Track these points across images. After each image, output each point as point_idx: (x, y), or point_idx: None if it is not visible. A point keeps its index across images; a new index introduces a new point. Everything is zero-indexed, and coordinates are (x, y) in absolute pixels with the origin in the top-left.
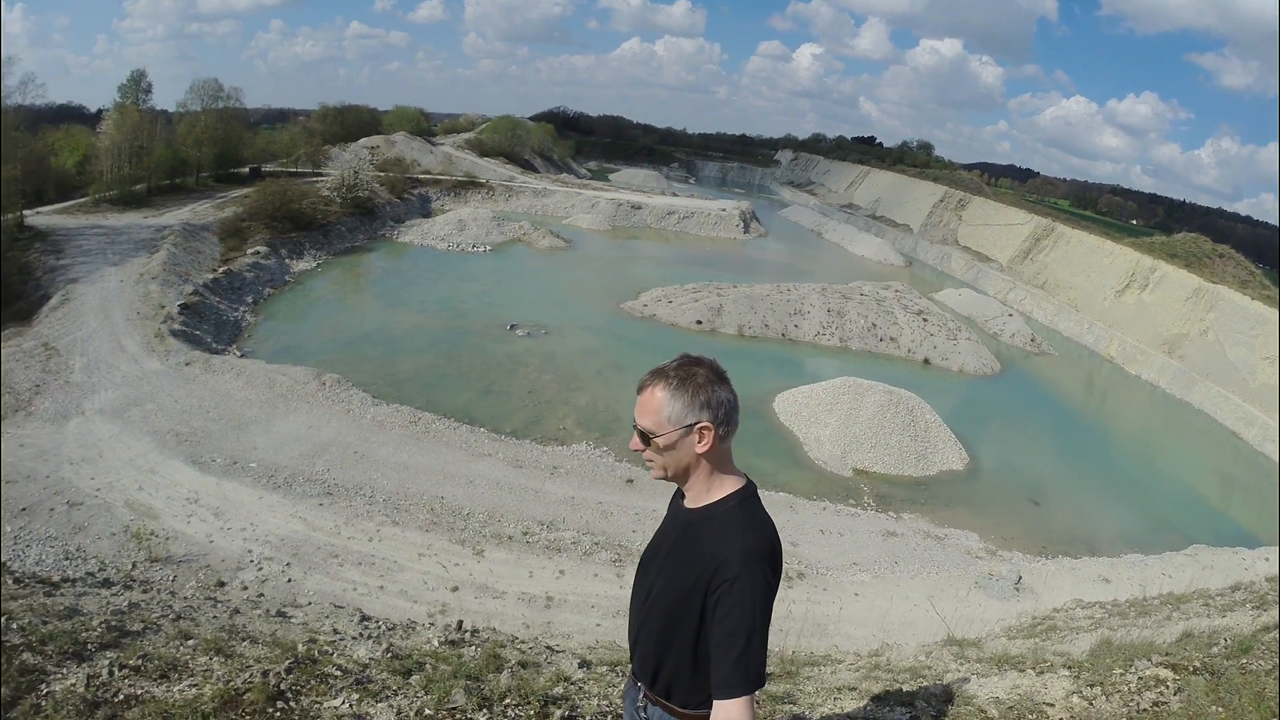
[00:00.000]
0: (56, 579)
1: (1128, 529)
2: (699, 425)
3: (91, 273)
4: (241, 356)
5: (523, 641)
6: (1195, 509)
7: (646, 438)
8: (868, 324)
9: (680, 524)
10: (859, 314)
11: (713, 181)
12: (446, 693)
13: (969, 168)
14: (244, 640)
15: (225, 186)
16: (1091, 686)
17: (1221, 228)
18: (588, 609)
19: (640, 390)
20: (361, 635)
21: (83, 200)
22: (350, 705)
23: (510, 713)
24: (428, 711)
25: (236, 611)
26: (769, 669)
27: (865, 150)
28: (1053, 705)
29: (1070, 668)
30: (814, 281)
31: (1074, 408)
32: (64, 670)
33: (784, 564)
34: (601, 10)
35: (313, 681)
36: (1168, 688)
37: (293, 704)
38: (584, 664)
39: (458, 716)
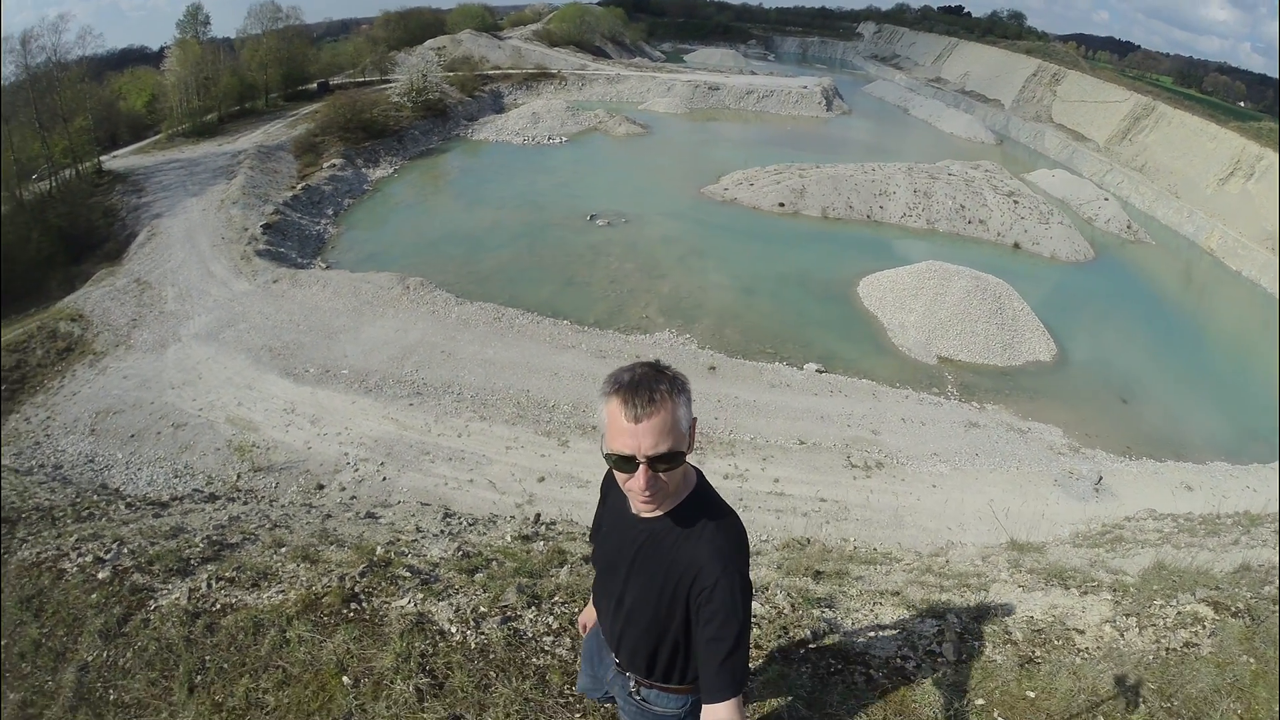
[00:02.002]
0: (165, 499)
1: (1217, 435)
2: (694, 422)
3: (173, 206)
4: (326, 268)
5: None
6: None
7: (666, 465)
8: (955, 205)
9: (642, 532)
10: (946, 195)
11: (792, 58)
12: (501, 591)
13: (1064, 39)
14: (331, 545)
15: (295, 105)
16: (1127, 616)
17: None
18: None
19: (640, 418)
20: (441, 533)
21: (156, 138)
22: (415, 605)
23: (556, 610)
24: (481, 609)
25: (329, 516)
26: (822, 566)
27: (952, 21)
28: (1082, 633)
29: (1115, 590)
30: (900, 161)
31: (1169, 302)
32: (169, 586)
33: (865, 453)
34: None
35: (383, 584)
36: (1204, 628)
37: (364, 605)
38: None
39: (507, 613)
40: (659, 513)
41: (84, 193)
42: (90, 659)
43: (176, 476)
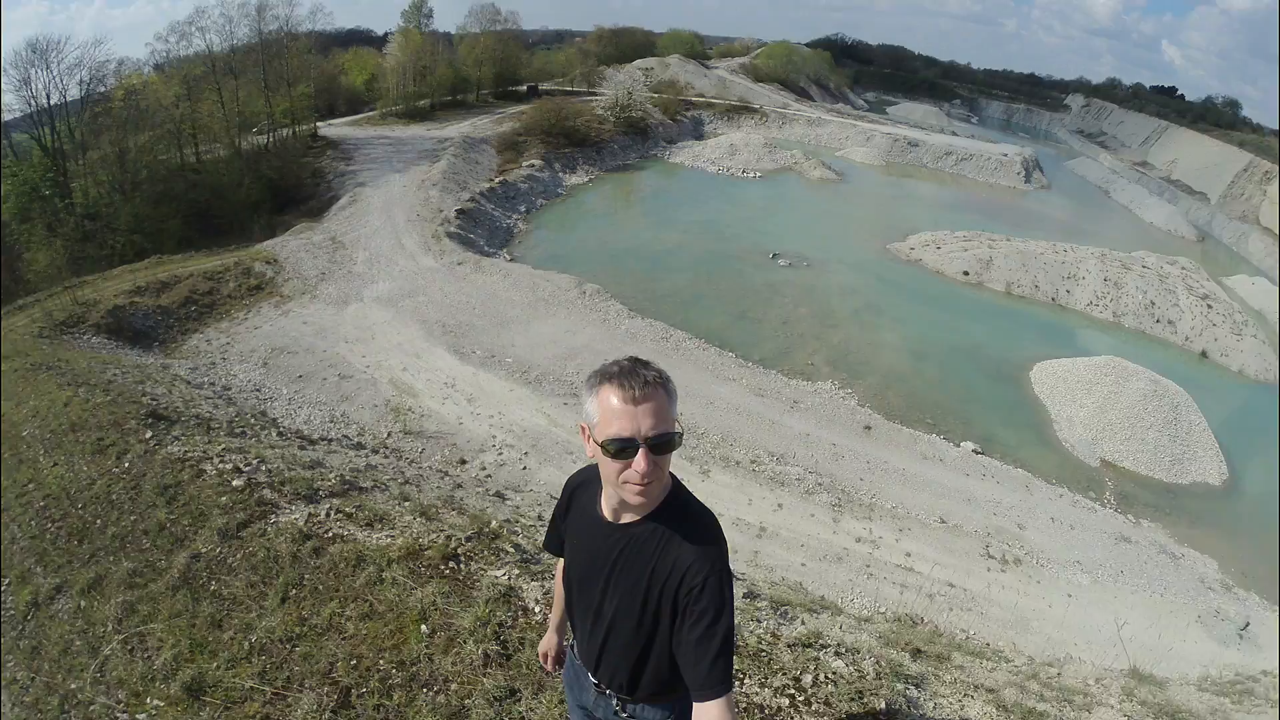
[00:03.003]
0: (315, 437)
1: None
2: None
3: (377, 178)
4: (510, 260)
5: None
6: None
7: (664, 445)
8: (1145, 301)
9: (616, 539)
10: (1137, 288)
11: (996, 123)
12: None
13: None
14: (452, 510)
15: (503, 103)
16: None
17: None
18: (797, 547)
19: (640, 399)
20: None
21: (370, 114)
22: (509, 578)
23: None
24: None
25: (459, 486)
26: (926, 647)
27: (1164, 102)
28: None
29: None
30: (1093, 245)
31: None
32: (293, 508)
33: (1005, 546)
34: None
35: (486, 552)
36: None
37: (462, 566)
38: (750, 594)
39: None
40: (646, 509)
41: (297, 152)
42: (204, 550)
43: (332, 422)
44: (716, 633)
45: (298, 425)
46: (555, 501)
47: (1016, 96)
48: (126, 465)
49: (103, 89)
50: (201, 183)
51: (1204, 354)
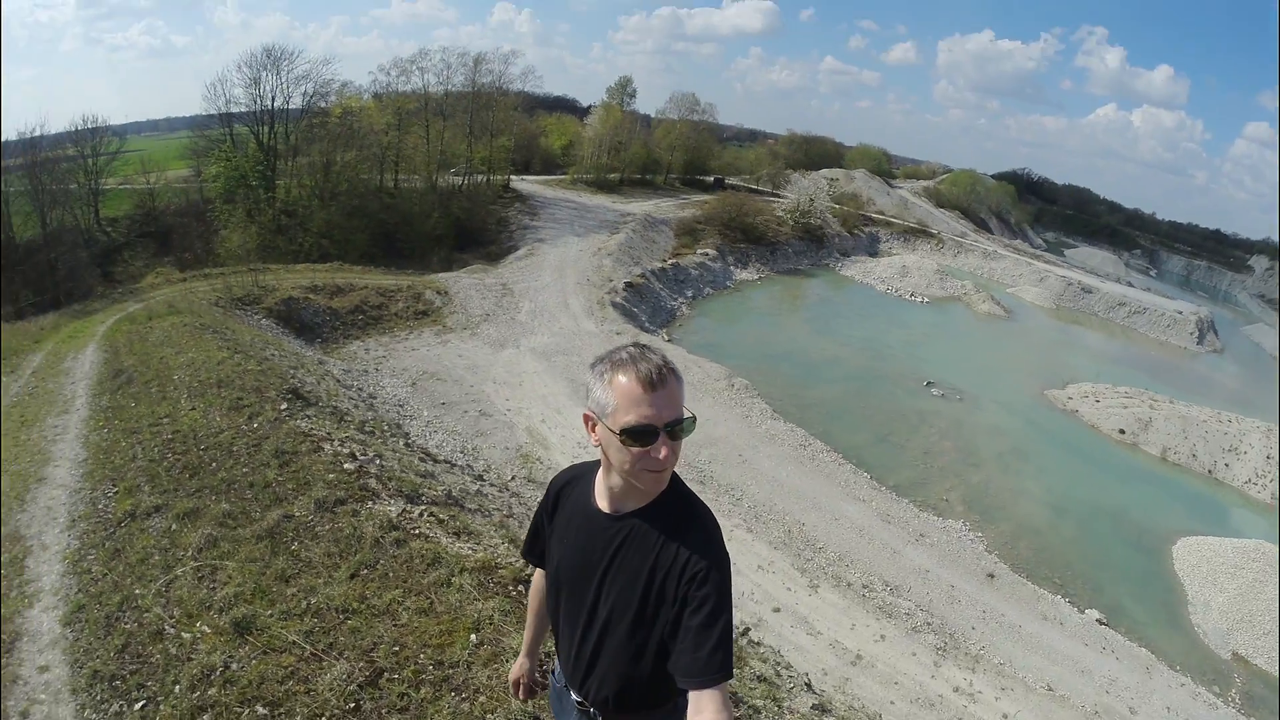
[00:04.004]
0: (440, 457)
1: None
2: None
3: (557, 238)
4: (668, 340)
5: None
6: None
7: (681, 430)
8: None
9: (613, 532)
10: None
11: (1175, 278)
12: None
13: None
14: None
15: (688, 190)
16: None
17: None
18: (890, 683)
19: (656, 385)
20: None
21: (562, 177)
22: None
23: None
24: None
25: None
26: None
27: None
28: None
29: None
30: (1261, 419)
31: None
32: (390, 501)
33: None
34: (1077, 70)
35: None
36: None
37: (528, 592)
38: (820, 708)
39: None
40: (650, 497)
41: (487, 198)
42: (296, 514)
43: (462, 452)
44: (717, 620)
45: (429, 447)
46: None
47: (1199, 252)
48: (255, 426)
49: (323, 104)
50: (394, 207)
51: None
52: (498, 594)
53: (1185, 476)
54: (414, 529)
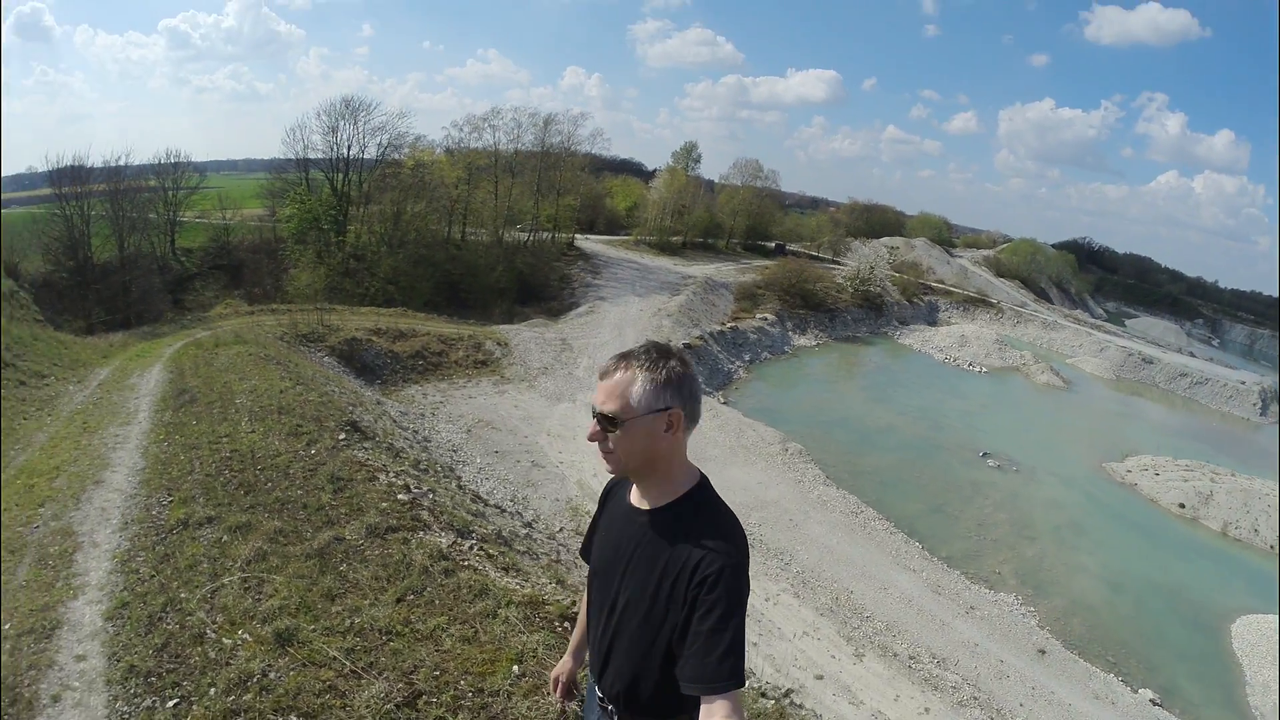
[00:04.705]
0: (491, 501)
1: None
2: (669, 411)
3: (617, 296)
4: (723, 403)
5: None
6: None
7: (608, 425)
8: None
9: (640, 525)
10: None
11: (1238, 347)
12: None
13: None
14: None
15: (750, 255)
16: None
17: None
18: None
19: (604, 375)
20: None
21: (625, 238)
22: None
23: None
24: None
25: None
26: None
27: None
28: None
29: None
30: None
31: None
32: (441, 534)
33: None
34: (1138, 138)
35: None
36: None
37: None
38: None
39: None
40: (619, 475)
41: (551, 255)
42: (347, 537)
43: (512, 501)
44: (727, 626)
45: (480, 492)
46: None
47: (1263, 321)
48: (313, 452)
49: (396, 155)
50: (460, 258)
51: None
52: (543, 628)
53: (1247, 552)
54: (464, 560)
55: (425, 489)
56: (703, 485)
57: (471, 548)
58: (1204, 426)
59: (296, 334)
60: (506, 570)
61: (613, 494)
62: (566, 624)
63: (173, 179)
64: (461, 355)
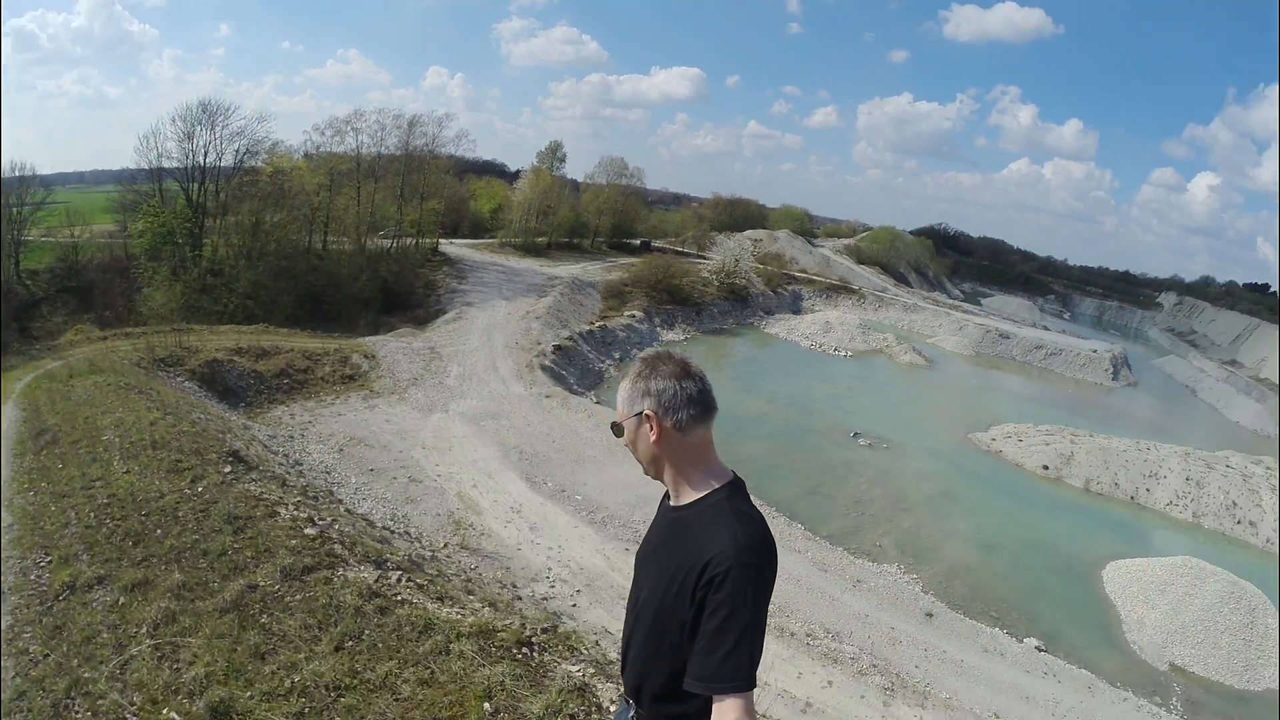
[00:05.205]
0: (379, 525)
1: None
2: (644, 413)
3: (485, 301)
4: (597, 403)
5: None
6: None
7: (616, 431)
8: (1227, 501)
9: (667, 523)
10: (1220, 488)
11: (1088, 319)
12: None
13: None
14: (516, 611)
15: (616, 253)
16: None
17: None
18: None
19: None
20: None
21: (491, 241)
22: (583, 675)
23: None
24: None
25: (518, 598)
26: None
27: (1257, 300)
28: None
29: None
30: (1177, 444)
31: None
32: (361, 567)
33: None
34: (991, 128)
35: (560, 647)
36: None
37: (535, 654)
38: None
39: None
40: (653, 476)
41: (416, 261)
42: (261, 583)
43: (392, 520)
44: (732, 626)
45: (360, 515)
46: (608, 635)
47: (1110, 293)
48: (200, 489)
49: (255, 163)
50: (322, 269)
51: None
52: (503, 658)
53: (1109, 505)
54: (395, 595)
55: (329, 520)
56: (728, 488)
57: (399, 580)
58: (1061, 393)
59: (154, 359)
60: (441, 600)
61: (667, 494)
62: (525, 649)
63: (16, 195)
64: (328, 371)
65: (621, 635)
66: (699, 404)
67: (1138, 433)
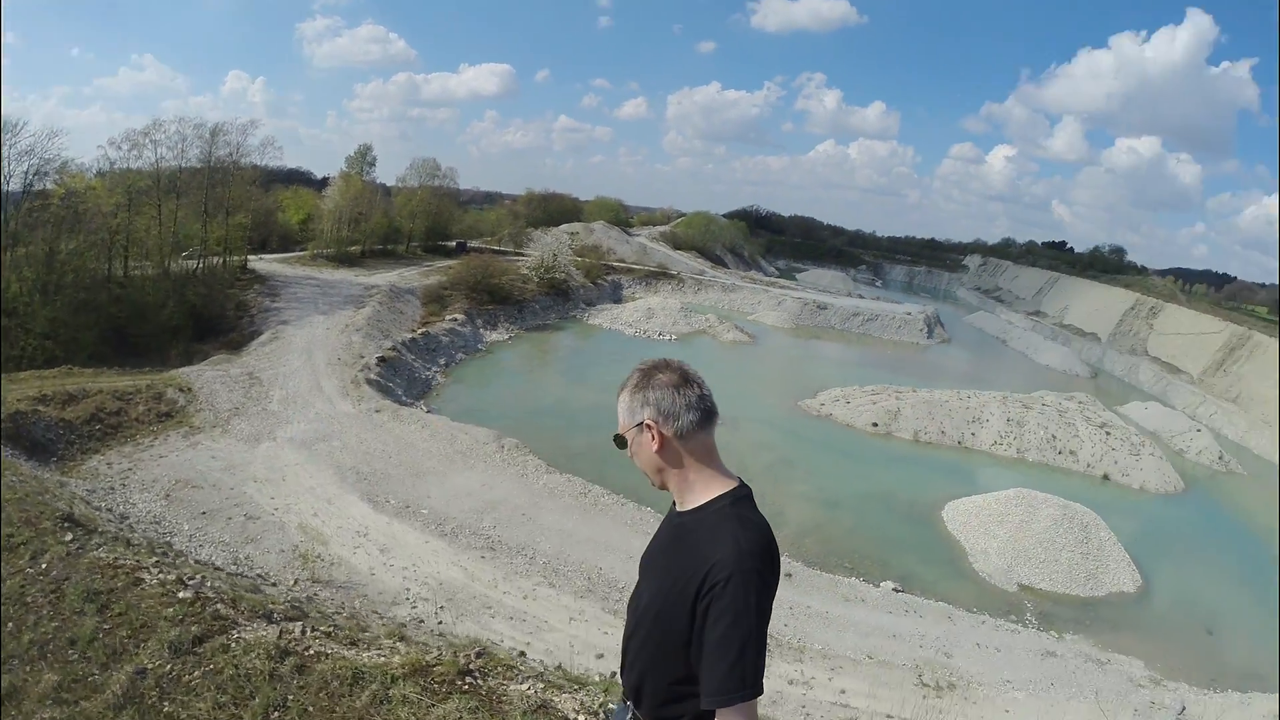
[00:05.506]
0: (230, 570)
1: None
2: (644, 423)
3: (301, 318)
4: (428, 412)
5: None
6: None
7: (620, 444)
8: (1047, 435)
9: (671, 528)
10: (1039, 424)
11: (899, 285)
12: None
13: (1163, 273)
14: (420, 640)
15: (432, 257)
16: None
17: None
18: None
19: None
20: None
21: (302, 254)
22: (535, 691)
23: None
24: (611, 705)
25: (403, 625)
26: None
27: (1055, 256)
28: None
29: None
30: (995, 390)
31: (1263, 532)
32: (254, 625)
33: (936, 674)
34: (798, 113)
35: (499, 668)
36: None
37: (480, 682)
38: None
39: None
40: (660, 488)
41: (225, 281)
42: (151, 666)
43: (235, 564)
44: (734, 636)
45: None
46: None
47: (918, 260)
48: (44, 566)
49: (45, 185)
50: (125, 298)
51: (1106, 477)
52: (450, 694)
53: (939, 452)
54: (306, 649)
55: (199, 578)
56: (732, 494)
57: (304, 631)
58: (881, 355)
59: None
60: (356, 645)
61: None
62: (469, 679)
63: None
64: (142, 410)
65: (622, 636)
66: (699, 409)
67: (957, 384)
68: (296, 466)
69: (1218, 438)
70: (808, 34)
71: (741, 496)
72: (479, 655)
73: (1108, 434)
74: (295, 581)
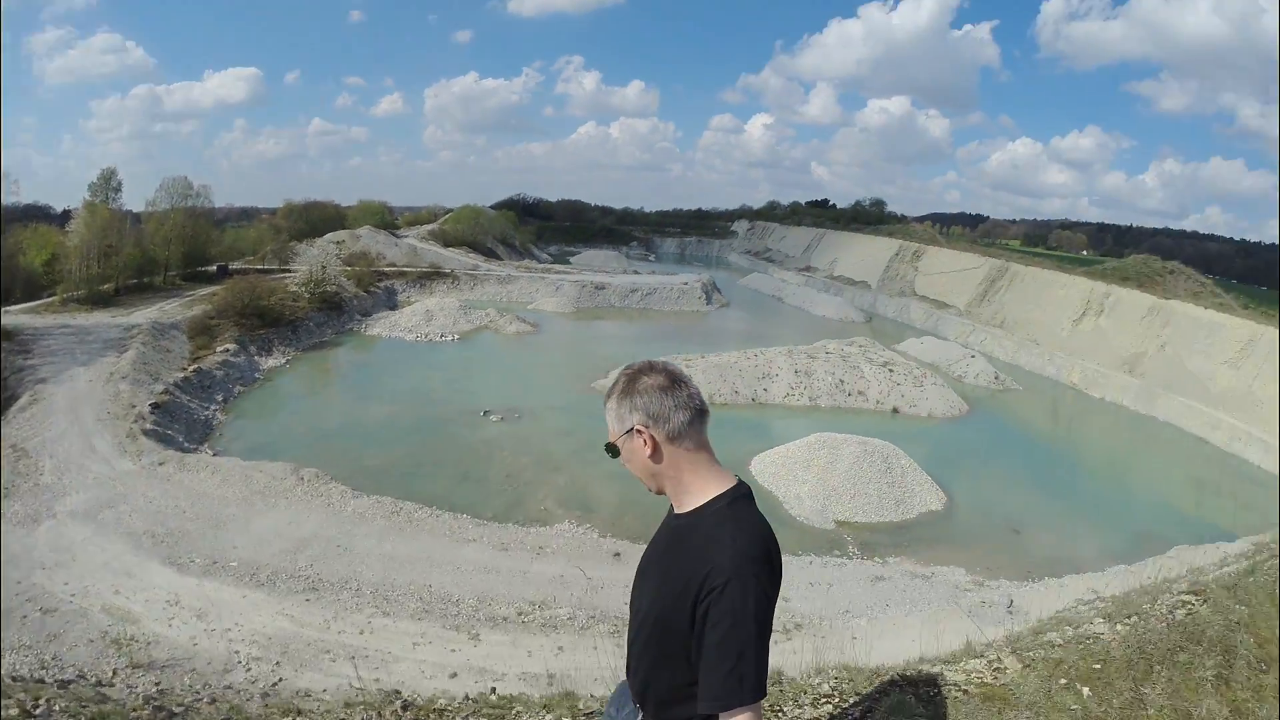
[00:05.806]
0: (49, 680)
1: (1110, 545)
2: (634, 428)
3: (60, 373)
4: (215, 455)
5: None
6: (1173, 516)
7: (612, 453)
8: (835, 380)
9: (669, 531)
10: (826, 372)
11: (672, 257)
12: None
13: (921, 220)
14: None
15: (193, 285)
16: (1129, 617)
17: (1170, 247)
18: (590, 680)
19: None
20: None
21: (50, 300)
22: None
23: None
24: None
25: (266, 694)
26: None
27: (819, 213)
28: (1102, 634)
29: (1104, 618)
30: (779, 345)
31: (1044, 437)
32: None
33: (779, 619)
34: (557, 97)
35: (430, 714)
36: (1195, 603)
37: None
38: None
39: None
40: (657, 492)
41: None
42: None
43: (44, 668)
44: (735, 639)
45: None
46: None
47: (688, 231)
48: None
49: None
50: None
51: (896, 410)
52: None
53: (736, 410)
54: None
55: (36, 700)
56: (730, 495)
57: None
58: (664, 327)
59: None
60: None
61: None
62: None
63: None
64: None
65: (626, 639)
66: (689, 409)
67: (743, 344)
68: (85, 542)
69: (991, 360)
70: (565, 16)
71: (739, 496)
72: (405, 708)
73: (891, 371)
74: (114, 672)
